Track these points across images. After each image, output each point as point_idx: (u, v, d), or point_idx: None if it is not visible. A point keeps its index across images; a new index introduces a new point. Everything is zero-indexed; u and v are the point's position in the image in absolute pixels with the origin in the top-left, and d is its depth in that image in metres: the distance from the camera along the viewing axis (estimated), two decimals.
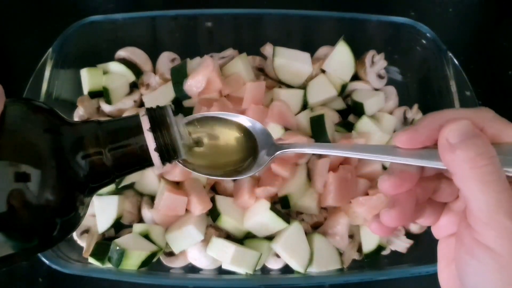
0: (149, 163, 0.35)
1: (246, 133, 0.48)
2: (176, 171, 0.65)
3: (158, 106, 0.36)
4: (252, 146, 0.47)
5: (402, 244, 0.67)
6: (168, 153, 0.35)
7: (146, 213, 0.67)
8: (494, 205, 0.29)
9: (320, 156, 0.69)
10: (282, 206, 0.66)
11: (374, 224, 0.37)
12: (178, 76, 0.71)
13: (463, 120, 0.31)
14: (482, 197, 0.29)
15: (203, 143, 0.43)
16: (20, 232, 0.32)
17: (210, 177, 0.46)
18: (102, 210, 0.66)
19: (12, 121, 0.32)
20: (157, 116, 0.35)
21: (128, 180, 0.66)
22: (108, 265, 0.63)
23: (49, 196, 0.32)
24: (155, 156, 0.35)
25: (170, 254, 0.67)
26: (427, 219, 0.38)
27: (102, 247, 0.64)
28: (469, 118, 0.32)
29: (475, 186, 0.29)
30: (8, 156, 0.31)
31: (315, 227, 0.69)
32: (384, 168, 0.70)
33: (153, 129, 0.34)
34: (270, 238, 0.66)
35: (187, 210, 0.65)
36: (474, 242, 0.30)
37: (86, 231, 0.67)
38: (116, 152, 0.34)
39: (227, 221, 0.64)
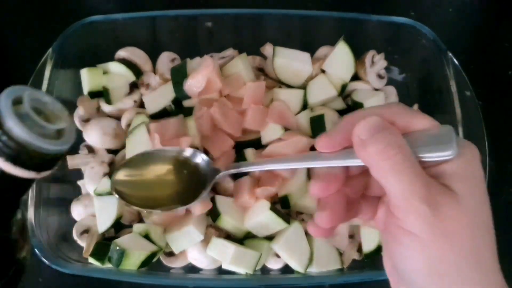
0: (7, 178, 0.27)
1: (188, 164, 0.50)
2: None
3: None
4: (196, 174, 0.49)
5: None
6: (18, 154, 0.26)
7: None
8: (409, 191, 0.30)
9: None
10: (282, 206, 0.66)
11: (310, 227, 0.38)
12: (178, 76, 0.71)
13: (372, 117, 0.33)
14: (398, 185, 0.31)
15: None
16: None
17: (156, 210, 0.48)
18: (102, 210, 0.66)
19: None
20: None
21: None
22: (108, 265, 0.63)
23: None
24: (5, 165, 0.27)
25: (170, 254, 0.67)
26: (366, 215, 0.39)
27: (102, 247, 0.64)
28: (379, 114, 0.33)
29: (389, 176, 0.31)
30: None
31: None
32: None
33: None
34: (270, 238, 0.66)
35: (187, 210, 0.65)
36: (397, 229, 0.32)
37: (86, 231, 0.68)
38: None
39: (227, 221, 0.65)
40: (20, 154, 0.26)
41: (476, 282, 0.30)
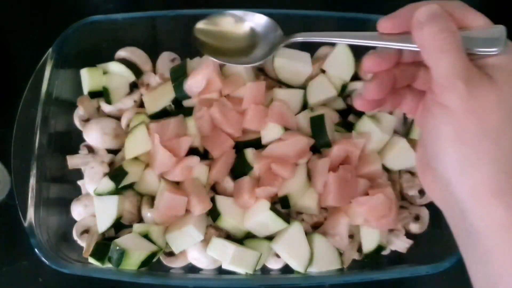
0: None
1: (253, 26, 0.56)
2: (176, 171, 0.65)
3: None
4: (257, 36, 0.55)
5: (402, 244, 0.67)
6: None
7: (146, 213, 0.67)
8: (450, 69, 0.34)
9: (320, 156, 0.69)
10: (282, 206, 0.66)
11: (357, 100, 0.43)
12: (178, 76, 0.71)
13: (432, 4, 0.37)
14: (442, 63, 0.34)
15: None
16: None
17: (225, 62, 0.55)
18: (102, 210, 0.66)
19: None
20: None
21: (128, 180, 0.66)
22: (108, 265, 0.63)
23: None
24: None
25: (170, 254, 0.67)
26: (407, 106, 0.43)
27: (102, 247, 0.64)
28: (439, 4, 0.37)
29: (436, 54, 0.35)
30: None
31: (315, 227, 0.69)
32: (385, 168, 0.70)
33: None
34: (270, 238, 0.66)
35: (187, 210, 0.65)
36: (433, 103, 0.36)
37: (86, 231, 0.68)
38: None
39: (227, 221, 0.65)
40: None
41: (491, 157, 0.33)
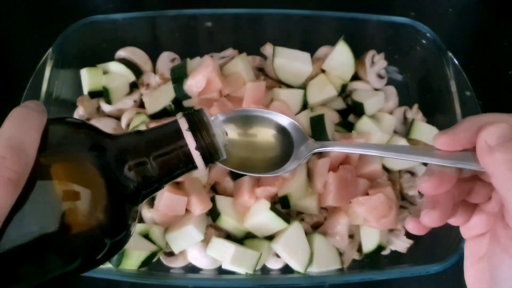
0: (192, 165, 0.36)
1: (281, 130, 0.49)
2: None
3: (194, 109, 0.37)
4: (287, 143, 0.49)
5: (402, 244, 0.67)
6: (210, 153, 0.36)
7: (146, 213, 0.67)
8: None
9: (320, 156, 0.69)
10: (282, 206, 0.66)
11: (412, 224, 0.38)
12: (178, 76, 0.71)
13: (501, 124, 0.32)
14: None
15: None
16: (70, 254, 0.31)
17: (248, 174, 0.48)
18: None
19: (56, 140, 0.32)
20: (194, 118, 0.36)
21: None
22: (108, 265, 0.63)
23: (101, 216, 0.31)
24: (197, 157, 0.35)
25: (170, 254, 0.67)
26: (458, 219, 0.39)
27: None
28: (507, 122, 0.32)
29: (511, 185, 0.30)
30: (56, 176, 0.30)
31: (315, 227, 0.69)
32: (385, 168, 0.70)
33: (192, 129, 0.35)
34: (270, 238, 0.66)
35: (187, 210, 0.65)
36: (507, 237, 0.31)
37: None
38: (161, 159, 0.35)
39: (227, 221, 0.65)
40: (210, 154, 0.36)
41: None
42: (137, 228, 0.65)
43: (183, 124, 0.35)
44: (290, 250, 0.64)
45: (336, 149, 0.45)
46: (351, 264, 0.67)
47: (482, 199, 0.38)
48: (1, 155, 0.29)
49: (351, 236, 0.68)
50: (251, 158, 0.49)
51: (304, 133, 0.48)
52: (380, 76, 0.77)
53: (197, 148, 0.35)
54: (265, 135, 0.50)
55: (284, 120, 0.49)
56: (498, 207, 0.33)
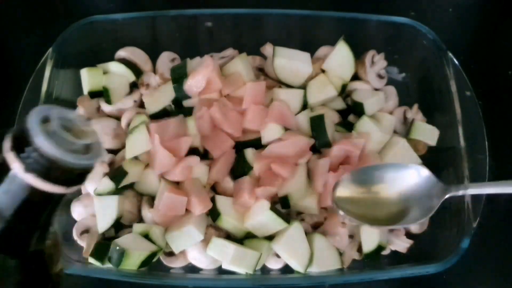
0: (47, 196, 0.29)
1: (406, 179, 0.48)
2: (176, 171, 0.65)
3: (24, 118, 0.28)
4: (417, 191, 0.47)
5: (402, 244, 0.67)
6: (52, 170, 0.27)
7: (146, 213, 0.67)
8: None
9: (320, 156, 0.69)
10: (282, 206, 0.66)
11: None
12: (178, 76, 0.71)
13: None
14: None
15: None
16: None
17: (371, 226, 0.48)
18: (102, 210, 0.66)
19: None
20: (18, 132, 0.28)
21: (128, 180, 0.65)
22: (108, 265, 0.63)
23: None
24: (39, 183, 0.27)
25: (170, 254, 0.67)
26: None
27: (102, 247, 0.64)
28: None
29: None
30: None
31: (315, 227, 0.69)
32: None
33: (15, 148, 0.27)
34: (270, 238, 0.66)
35: (187, 210, 0.65)
36: None
37: (86, 231, 0.67)
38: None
39: (227, 221, 0.64)
40: (50, 170, 0.27)
41: None
42: (137, 228, 0.65)
43: (6, 146, 0.27)
44: (290, 250, 0.64)
45: (476, 191, 0.42)
46: (351, 264, 0.67)
47: None
48: None
49: (351, 236, 0.68)
50: (375, 212, 0.49)
51: (434, 179, 0.45)
52: (380, 76, 0.77)
53: (27, 171, 0.27)
54: (389, 190, 0.48)
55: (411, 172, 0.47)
56: None
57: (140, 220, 0.69)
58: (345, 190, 0.53)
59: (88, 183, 0.68)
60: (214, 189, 0.70)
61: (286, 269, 0.66)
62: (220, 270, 0.66)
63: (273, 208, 0.64)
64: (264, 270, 0.67)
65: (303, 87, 0.74)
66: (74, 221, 0.69)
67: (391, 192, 0.48)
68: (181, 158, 0.66)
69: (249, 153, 0.68)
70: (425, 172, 0.47)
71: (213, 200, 0.65)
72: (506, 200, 0.76)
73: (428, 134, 0.72)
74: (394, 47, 0.79)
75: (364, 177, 0.50)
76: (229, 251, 0.62)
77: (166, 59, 0.77)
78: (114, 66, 0.74)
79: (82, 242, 0.67)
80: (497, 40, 0.89)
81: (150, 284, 0.66)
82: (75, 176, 0.29)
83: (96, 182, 0.67)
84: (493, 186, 0.40)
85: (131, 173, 0.65)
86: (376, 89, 0.77)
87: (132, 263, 0.61)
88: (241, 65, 0.72)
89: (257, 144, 0.69)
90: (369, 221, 0.47)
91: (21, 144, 0.27)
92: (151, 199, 0.68)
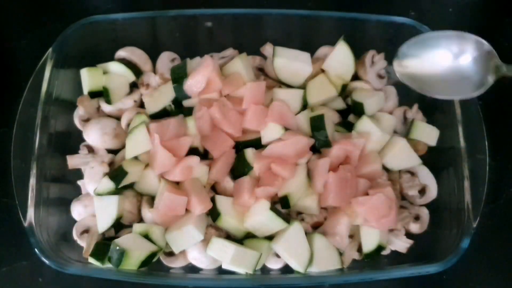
0: None
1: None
2: (176, 171, 0.65)
3: None
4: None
5: (402, 244, 0.67)
6: None
7: (146, 213, 0.67)
8: None
9: (320, 156, 0.69)
10: (282, 206, 0.66)
11: None
12: (178, 76, 0.71)
13: None
14: None
15: None
16: None
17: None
18: (102, 210, 0.66)
19: None
20: None
21: (128, 180, 0.65)
22: (108, 265, 0.63)
23: None
24: None
25: (170, 254, 0.67)
26: None
27: (102, 247, 0.64)
28: None
29: None
30: None
31: (315, 227, 0.69)
32: (385, 168, 0.70)
33: None
34: (270, 238, 0.66)
35: (187, 210, 0.65)
36: None
37: (86, 231, 0.67)
38: None
39: (227, 221, 0.64)
40: None
41: None
42: (137, 228, 0.65)
43: None
44: (290, 250, 0.64)
45: None
46: (351, 264, 0.67)
47: None
48: None
49: (351, 236, 0.68)
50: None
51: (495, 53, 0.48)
52: (380, 76, 0.77)
53: None
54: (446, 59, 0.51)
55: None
56: None
57: (140, 220, 0.69)
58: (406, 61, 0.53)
59: (88, 183, 0.68)
60: (214, 189, 0.70)
61: (286, 269, 0.66)
62: (220, 270, 0.66)
63: (273, 208, 0.64)
64: (264, 270, 0.67)
65: (303, 87, 0.74)
66: (74, 221, 0.69)
67: (447, 62, 0.48)
68: (181, 158, 0.66)
69: (249, 153, 0.68)
70: (487, 46, 0.47)
71: (213, 200, 0.65)
72: (506, 200, 0.76)
73: (428, 134, 0.72)
74: (394, 47, 0.78)
75: (422, 45, 0.49)
76: (229, 251, 0.62)
77: (166, 59, 0.77)
78: (114, 66, 0.74)
79: (82, 242, 0.67)
80: (497, 40, 0.89)
81: (150, 284, 0.66)
82: None
83: (96, 182, 0.67)
84: None
85: (131, 173, 0.65)
86: (376, 89, 0.77)
87: (132, 263, 0.61)
88: (241, 65, 0.72)
89: (257, 144, 0.69)
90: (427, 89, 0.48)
91: None
92: (151, 199, 0.68)
